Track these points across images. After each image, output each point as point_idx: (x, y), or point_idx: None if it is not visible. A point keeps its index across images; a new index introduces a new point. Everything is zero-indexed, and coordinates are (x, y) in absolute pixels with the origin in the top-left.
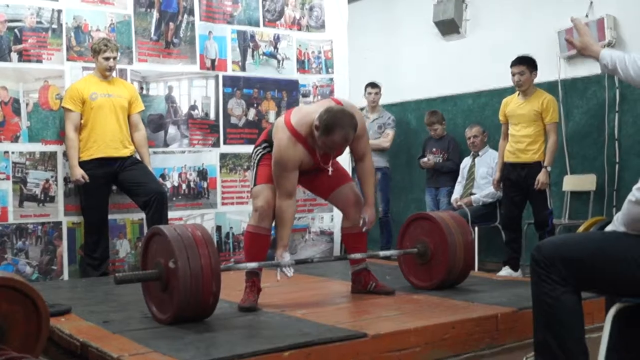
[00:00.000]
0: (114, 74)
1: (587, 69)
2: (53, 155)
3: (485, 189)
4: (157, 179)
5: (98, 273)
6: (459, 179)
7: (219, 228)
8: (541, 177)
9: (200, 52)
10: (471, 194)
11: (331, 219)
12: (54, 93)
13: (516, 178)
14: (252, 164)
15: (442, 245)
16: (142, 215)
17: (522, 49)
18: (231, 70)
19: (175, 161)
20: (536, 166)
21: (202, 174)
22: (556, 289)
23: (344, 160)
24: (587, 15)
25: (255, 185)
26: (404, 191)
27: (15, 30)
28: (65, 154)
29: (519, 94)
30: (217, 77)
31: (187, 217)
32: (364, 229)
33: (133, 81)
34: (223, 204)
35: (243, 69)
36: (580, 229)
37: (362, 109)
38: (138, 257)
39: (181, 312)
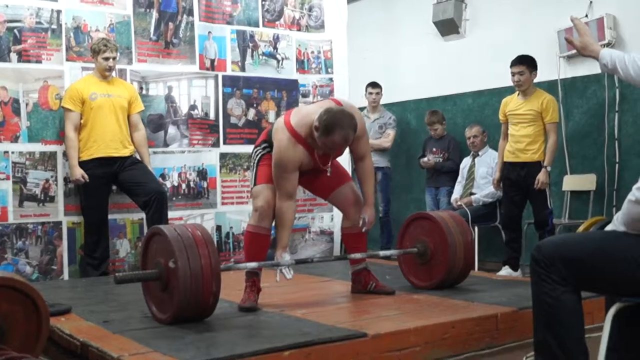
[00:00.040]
0: (113, 74)
1: (586, 68)
2: (53, 155)
3: (485, 189)
4: (157, 178)
5: (98, 273)
6: (459, 178)
7: (219, 228)
8: (541, 176)
9: (200, 52)
10: (471, 193)
11: (331, 219)
12: (53, 93)
13: (516, 178)
14: (251, 164)
15: (442, 245)
16: (142, 215)
17: (521, 48)
18: (231, 70)
19: (175, 161)
20: (536, 166)
21: (202, 173)
22: (556, 288)
23: (344, 160)
24: (586, 15)
25: (255, 185)
26: (403, 191)
27: (15, 30)
28: (65, 154)
29: (518, 94)
30: (216, 77)
31: (187, 217)
32: (363, 229)
33: (132, 81)
34: (223, 203)
35: (242, 69)
36: (580, 228)
37: (362, 109)
38: (138, 256)
39: (181, 312)
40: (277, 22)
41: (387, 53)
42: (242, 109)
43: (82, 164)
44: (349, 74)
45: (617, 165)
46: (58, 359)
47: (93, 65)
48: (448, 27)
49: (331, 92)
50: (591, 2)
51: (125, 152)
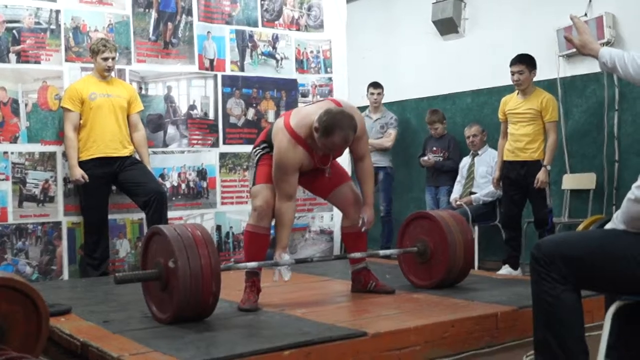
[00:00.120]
0: (112, 74)
1: (586, 67)
2: (52, 155)
3: (485, 188)
4: (157, 178)
5: (98, 273)
6: (459, 178)
7: (218, 228)
8: (541, 175)
9: (199, 52)
10: (471, 193)
11: (331, 218)
12: (52, 93)
13: (516, 177)
14: (251, 164)
15: (442, 244)
16: (142, 215)
17: (521, 47)
18: (230, 70)
19: (174, 161)
20: (536, 165)
21: (202, 173)
22: (556, 287)
23: (344, 160)
24: (586, 14)
25: (254, 185)
26: (403, 190)
27: (14, 31)
28: (64, 154)
29: (518, 93)
30: (215, 77)
31: (187, 216)
32: (363, 229)
33: (132, 81)
34: (223, 203)
35: (242, 68)
36: (580, 227)
37: (362, 109)
38: (138, 256)
39: (181, 312)
40: (276, 22)
41: (386, 52)
42: (241, 108)
43: (82, 164)
44: (348, 74)
45: (616, 164)
46: (58, 359)
47: (92, 65)
48: (447, 26)
49: (330, 91)
50: (590, 0)
51: (125, 152)
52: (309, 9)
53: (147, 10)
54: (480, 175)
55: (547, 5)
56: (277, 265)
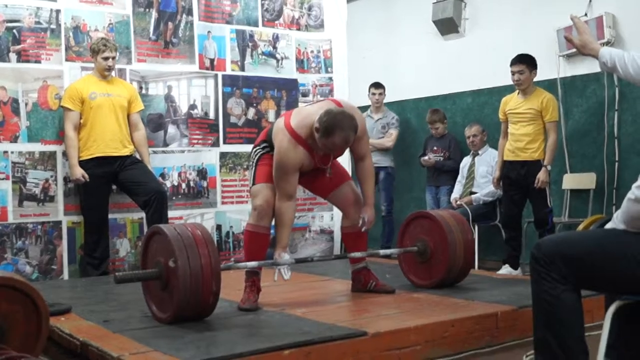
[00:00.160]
0: (113, 73)
1: (586, 67)
2: (52, 155)
3: (485, 188)
4: (157, 178)
5: (98, 272)
6: (459, 178)
7: (219, 227)
8: (541, 175)
9: (199, 51)
10: (471, 192)
11: (331, 218)
12: (53, 93)
13: (516, 176)
14: (251, 163)
15: (442, 243)
16: (142, 214)
17: (521, 47)
18: (230, 70)
19: (174, 160)
20: (536, 165)
21: (202, 173)
22: (556, 287)
23: (344, 160)
24: (586, 14)
25: (254, 184)
26: (404, 190)
27: (14, 30)
28: (64, 154)
29: (518, 93)
30: (216, 76)
31: (187, 216)
32: (363, 229)
33: (132, 81)
34: (223, 203)
35: (242, 68)
36: (580, 227)
37: (363, 109)
38: (138, 256)
39: (181, 311)
40: (276, 22)
41: (386, 52)
42: (241, 108)
43: (82, 164)
44: (349, 73)
45: (616, 164)
46: (58, 358)
47: (92, 65)
48: (447, 26)
49: (331, 91)
50: (590, 0)
51: (125, 152)
52: (310, 8)
53: (147, 9)
54: (480, 175)
55: (547, 5)
56: (277, 264)
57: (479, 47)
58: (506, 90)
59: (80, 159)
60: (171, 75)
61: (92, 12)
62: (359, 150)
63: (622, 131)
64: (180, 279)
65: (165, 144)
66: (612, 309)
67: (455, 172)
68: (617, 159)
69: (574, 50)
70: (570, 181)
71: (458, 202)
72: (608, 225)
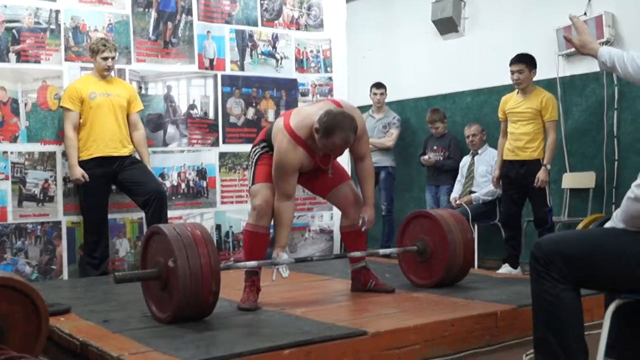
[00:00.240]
0: (112, 73)
1: (585, 66)
2: (52, 155)
3: (484, 187)
4: (157, 178)
5: (98, 272)
6: (458, 177)
7: (218, 227)
8: (541, 174)
9: (199, 51)
10: (471, 192)
11: (331, 217)
12: (52, 93)
13: (515, 176)
14: (250, 163)
15: (442, 243)
16: (142, 214)
17: (520, 47)
18: (230, 70)
19: (174, 160)
20: (535, 164)
21: (202, 173)
22: (556, 286)
23: (344, 160)
24: (585, 13)
25: (253, 184)
26: (404, 189)
27: (14, 30)
28: (64, 154)
29: (518, 92)
30: (215, 76)
31: (187, 216)
32: (363, 229)
33: (132, 81)
34: (222, 203)
35: (242, 68)
36: (579, 226)
37: (362, 108)
38: (138, 256)
39: (181, 311)
40: (276, 22)
41: (386, 52)
42: (241, 108)
43: (82, 164)
44: (348, 73)
45: (616, 163)
46: (58, 358)
47: (92, 65)
48: (447, 25)
49: (330, 91)
50: (590, 0)
51: (125, 152)
52: (309, 8)
53: (146, 9)
54: (480, 175)
55: (547, 5)
56: (275, 264)
57: (478, 47)
58: (506, 89)
59: (80, 159)
60: (171, 75)
61: (91, 12)
62: (359, 150)
63: (621, 130)
64: (180, 279)
65: (165, 144)
66: (611, 308)
67: (455, 172)
68: (616, 158)
69: (574, 49)
70: (570, 180)
71: (458, 202)
72: (607, 224)
